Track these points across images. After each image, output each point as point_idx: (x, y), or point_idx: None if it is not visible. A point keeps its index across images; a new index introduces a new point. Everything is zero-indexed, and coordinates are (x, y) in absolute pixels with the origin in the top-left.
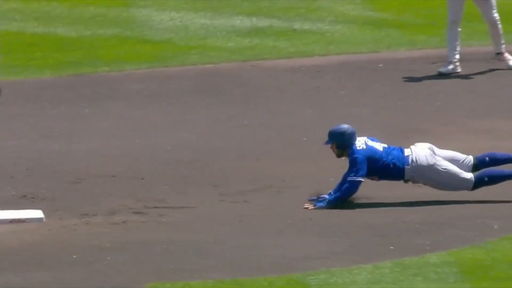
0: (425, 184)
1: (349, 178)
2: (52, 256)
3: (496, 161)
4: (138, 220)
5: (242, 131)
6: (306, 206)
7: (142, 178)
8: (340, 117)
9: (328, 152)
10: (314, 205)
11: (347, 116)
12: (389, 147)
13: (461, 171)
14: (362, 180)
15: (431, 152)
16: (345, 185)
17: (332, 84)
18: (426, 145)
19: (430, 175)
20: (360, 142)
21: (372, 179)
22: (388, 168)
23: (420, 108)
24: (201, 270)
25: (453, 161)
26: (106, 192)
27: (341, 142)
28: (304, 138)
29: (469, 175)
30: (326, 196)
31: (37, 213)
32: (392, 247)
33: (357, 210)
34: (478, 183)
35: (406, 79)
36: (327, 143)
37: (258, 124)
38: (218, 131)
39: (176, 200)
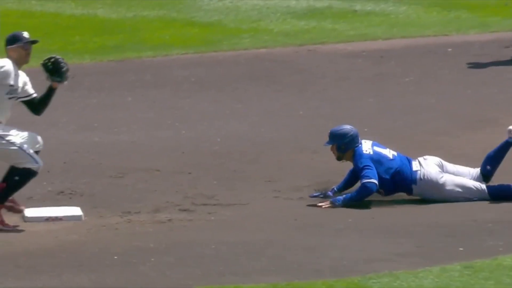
0: (433, 199)
1: (364, 180)
2: (91, 257)
3: (495, 159)
4: (184, 219)
5: (297, 121)
6: (321, 204)
7: (189, 173)
8: (404, 106)
9: (393, 145)
10: (331, 202)
11: (412, 105)
12: (398, 155)
13: (472, 182)
14: (376, 182)
15: (440, 170)
16: (360, 187)
17: (396, 71)
18: (435, 160)
19: (439, 192)
20: (367, 146)
21: (379, 193)
22: (394, 183)
23: (491, 96)
24: (253, 273)
25: (461, 174)
26: (150, 187)
27: (342, 144)
28: (366, 129)
29: (481, 186)
30: (330, 192)
31: (75, 211)
32: (461, 248)
33: (423, 207)
34: (494, 192)
35: (476, 65)
36: (327, 144)
37: (315, 114)
38: (271, 122)
39: (226, 196)
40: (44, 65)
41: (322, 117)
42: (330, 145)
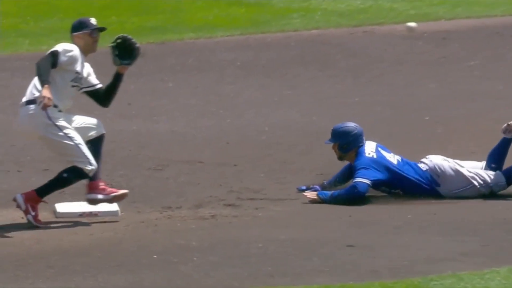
0: (463, 193)
1: (356, 179)
2: (129, 256)
3: (498, 156)
4: (229, 214)
5: (352, 109)
6: (307, 194)
7: (235, 165)
8: (469, 92)
9: (456, 134)
10: (318, 195)
11: (477, 91)
12: (403, 160)
13: (484, 171)
14: (369, 183)
15: (448, 160)
16: (350, 186)
17: (460, 54)
18: (439, 157)
19: (463, 180)
20: (370, 149)
21: (395, 192)
22: (412, 183)
23: None
24: (304, 273)
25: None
26: (192, 181)
27: (344, 143)
28: (427, 118)
29: (492, 172)
30: (318, 186)
31: (111, 206)
32: None
33: (489, 203)
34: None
35: None
36: (328, 141)
37: (372, 101)
38: (324, 109)
39: (274, 190)
40: (115, 47)
41: (379, 104)
42: (332, 144)
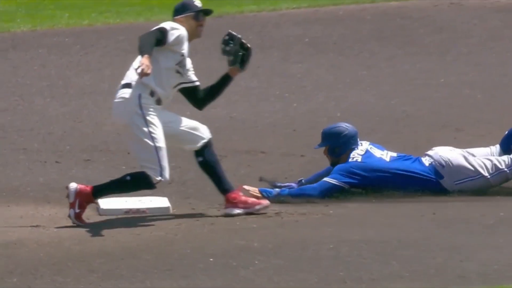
0: (474, 186)
1: (325, 178)
2: (182, 259)
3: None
4: (296, 212)
5: (437, 91)
6: (247, 187)
7: (302, 155)
8: None
9: None
10: (260, 191)
11: None
12: (399, 156)
13: (496, 157)
14: (337, 184)
15: (455, 150)
16: (317, 183)
17: None
18: (445, 148)
19: (472, 172)
20: (358, 152)
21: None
22: (406, 178)
23: None
24: (381, 279)
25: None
26: (254, 173)
27: (335, 146)
28: None
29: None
30: (294, 184)
31: (162, 202)
32: None
33: None
34: None
35: None
36: (318, 146)
37: (459, 82)
38: (404, 92)
39: None
40: (242, 49)
41: (468, 86)
42: (323, 148)
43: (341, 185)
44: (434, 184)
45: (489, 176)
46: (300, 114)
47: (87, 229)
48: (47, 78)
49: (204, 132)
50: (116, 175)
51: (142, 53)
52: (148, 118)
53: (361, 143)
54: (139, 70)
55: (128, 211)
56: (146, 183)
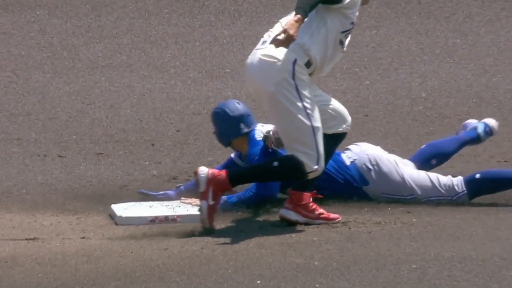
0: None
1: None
2: (222, 281)
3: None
4: (369, 221)
5: None
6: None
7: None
8: None
9: None
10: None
11: None
12: None
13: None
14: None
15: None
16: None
17: None
18: (376, 147)
19: (400, 182)
20: (261, 131)
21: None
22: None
23: None
24: None
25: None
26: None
27: (222, 130)
28: None
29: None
30: (155, 194)
31: (196, 208)
32: None
33: None
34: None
35: None
36: (214, 132)
37: None
38: (509, 66)
39: None
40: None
41: None
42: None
43: None
44: (351, 189)
45: (424, 200)
46: (374, 93)
47: (99, 243)
48: (48, 48)
49: (347, 118)
50: (136, 172)
51: (296, 10)
52: (303, 91)
53: (261, 125)
54: (279, 36)
55: (154, 219)
56: (299, 172)
